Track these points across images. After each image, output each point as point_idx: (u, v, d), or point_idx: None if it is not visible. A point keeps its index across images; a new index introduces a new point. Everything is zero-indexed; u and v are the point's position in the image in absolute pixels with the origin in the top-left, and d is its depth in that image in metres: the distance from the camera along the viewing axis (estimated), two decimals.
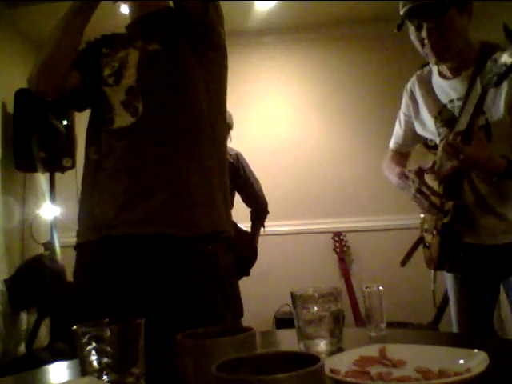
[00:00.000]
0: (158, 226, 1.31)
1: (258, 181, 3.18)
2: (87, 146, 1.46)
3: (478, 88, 1.44)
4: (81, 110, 1.59)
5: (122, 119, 1.37)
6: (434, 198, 1.65)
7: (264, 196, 3.21)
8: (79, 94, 1.48)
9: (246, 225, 3.21)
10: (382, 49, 4.13)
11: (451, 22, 1.57)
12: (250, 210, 3.24)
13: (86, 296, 1.36)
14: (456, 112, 1.67)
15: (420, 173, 1.68)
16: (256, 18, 4.00)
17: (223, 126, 1.53)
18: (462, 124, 1.52)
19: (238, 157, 3.09)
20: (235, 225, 3.09)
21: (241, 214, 3.04)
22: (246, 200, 3.20)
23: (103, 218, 1.34)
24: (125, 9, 1.63)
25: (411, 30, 1.65)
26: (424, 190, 1.64)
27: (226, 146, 1.54)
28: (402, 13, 1.61)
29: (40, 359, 2.52)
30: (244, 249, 3.11)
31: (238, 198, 3.17)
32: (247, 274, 3.19)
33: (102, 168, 1.38)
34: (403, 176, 1.74)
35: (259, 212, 3.22)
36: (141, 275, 1.31)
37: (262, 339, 1.25)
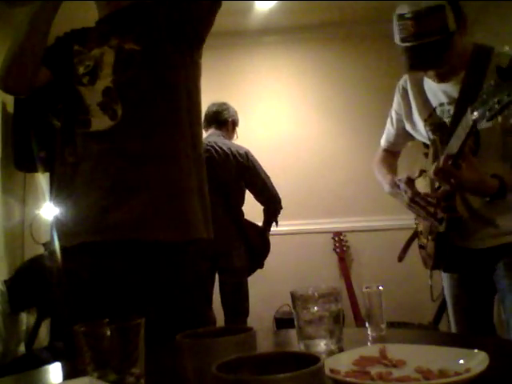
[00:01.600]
0: (137, 231, 1.29)
1: (268, 177, 3.18)
2: (61, 147, 1.41)
3: (469, 117, 1.41)
4: (53, 107, 1.58)
5: (100, 122, 1.33)
6: (428, 208, 1.65)
7: (277, 191, 3.20)
8: (49, 91, 1.46)
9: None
10: (382, 49, 4.11)
11: (454, 49, 1.54)
12: (263, 208, 3.23)
13: (71, 301, 1.35)
14: (445, 116, 1.66)
15: (410, 182, 1.68)
16: (256, 18, 4.00)
17: (200, 127, 1.51)
18: (452, 147, 1.49)
19: (247, 155, 3.08)
20: (246, 220, 3.11)
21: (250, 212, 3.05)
22: (259, 197, 3.19)
23: (82, 223, 1.32)
24: None
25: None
26: (417, 199, 1.65)
27: (201, 148, 1.50)
28: (404, 61, 1.57)
29: (40, 359, 2.52)
30: (256, 241, 3.12)
31: (248, 196, 3.17)
32: (261, 267, 3.19)
33: (79, 171, 1.34)
34: (395, 185, 1.75)
35: (273, 207, 3.22)
36: (120, 281, 1.29)
37: (262, 339, 1.25)
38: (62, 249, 1.38)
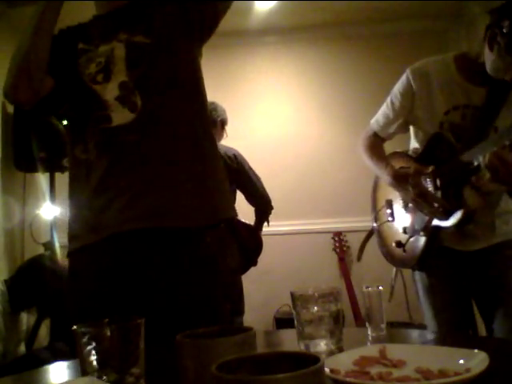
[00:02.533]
0: (165, 218, 1.30)
1: (259, 178, 3.17)
2: (72, 146, 1.40)
3: None
4: (56, 111, 1.55)
5: (121, 116, 1.33)
6: (434, 203, 1.65)
7: (267, 193, 3.19)
8: (54, 96, 1.42)
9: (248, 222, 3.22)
10: (382, 49, 4.13)
11: None
12: (254, 209, 3.23)
13: (89, 299, 1.32)
14: (468, 119, 1.63)
15: (418, 176, 1.67)
16: (256, 18, 4.00)
17: (208, 115, 1.56)
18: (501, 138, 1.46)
19: (236, 157, 3.07)
20: (238, 219, 3.10)
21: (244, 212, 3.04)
22: (249, 198, 3.19)
23: (107, 217, 1.30)
24: None
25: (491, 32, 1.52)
26: (425, 194, 1.64)
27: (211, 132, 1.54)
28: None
29: (40, 359, 2.52)
30: (249, 240, 3.12)
31: (239, 196, 3.17)
32: (254, 264, 3.19)
33: (95, 167, 1.33)
34: (401, 178, 1.72)
35: (263, 209, 3.22)
36: (146, 271, 1.30)
37: (262, 339, 1.25)
38: (83, 247, 1.34)
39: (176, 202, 1.31)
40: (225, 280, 1.42)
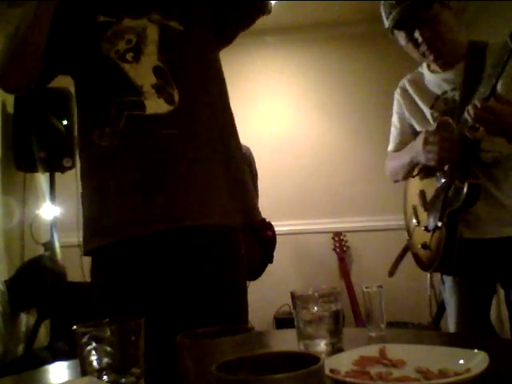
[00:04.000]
0: (202, 217, 1.26)
1: (256, 182, 3.16)
2: (87, 129, 1.29)
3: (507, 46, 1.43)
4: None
5: (156, 105, 1.24)
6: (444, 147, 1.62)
7: (257, 191, 3.17)
8: (43, 75, 1.33)
9: None
10: (382, 49, 4.11)
11: (438, 16, 1.66)
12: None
13: (118, 295, 1.26)
14: (450, 102, 1.72)
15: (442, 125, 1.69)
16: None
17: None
18: (482, 93, 1.49)
19: (245, 154, 3.07)
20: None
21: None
22: None
23: (141, 215, 1.23)
24: None
25: (400, 35, 1.74)
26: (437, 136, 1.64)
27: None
28: (388, 24, 1.74)
29: (40, 359, 2.52)
30: (266, 235, 3.09)
31: None
32: (271, 261, 3.16)
33: (122, 157, 1.24)
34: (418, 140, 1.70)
35: None
36: (178, 270, 1.27)
37: (262, 339, 1.25)
38: (100, 247, 1.26)
39: (213, 202, 1.28)
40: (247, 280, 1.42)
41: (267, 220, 3.15)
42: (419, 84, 1.85)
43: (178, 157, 1.26)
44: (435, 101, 1.78)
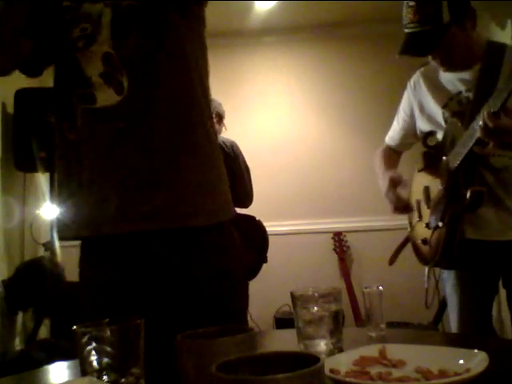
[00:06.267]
0: (164, 221, 1.17)
1: (249, 173, 3.12)
2: (58, 122, 1.22)
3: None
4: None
5: (105, 97, 1.15)
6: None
7: (251, 189, 3.13)
8: (35, 58, 1.25)
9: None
10: (382, 49, 4.12)
11: (452, 40, 1.62)
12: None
13: (92, 297, 1.27)
14: (464, 103, 1.69)
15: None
16: (256, 18, 3.99)
17: (209, 99, 1.30)
18: (492, 104, 1.47)
19: (232, 146, 3.04)
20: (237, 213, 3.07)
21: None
22: (233, 186, 3.14)
23: (101, 214, 1.17)
24: None
25: None
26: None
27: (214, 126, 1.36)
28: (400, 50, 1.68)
29: (34, 359, 2.51)
30: (252, 233, 3.08)
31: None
32: (266, 261, 3.15)
33: (85, 154, 1.18)
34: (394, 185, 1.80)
35: (239, 199, 3.13)
36: (148, 274, 1.20)
37: (262, 339, 1.25)
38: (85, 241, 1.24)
39: (172, 205, 1.18)
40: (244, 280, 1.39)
41: (257, 219, 3.15)
42: (433, 80, 1.79)
43: (133, 153, 1.16)
44: (449, 100, 1.74)
